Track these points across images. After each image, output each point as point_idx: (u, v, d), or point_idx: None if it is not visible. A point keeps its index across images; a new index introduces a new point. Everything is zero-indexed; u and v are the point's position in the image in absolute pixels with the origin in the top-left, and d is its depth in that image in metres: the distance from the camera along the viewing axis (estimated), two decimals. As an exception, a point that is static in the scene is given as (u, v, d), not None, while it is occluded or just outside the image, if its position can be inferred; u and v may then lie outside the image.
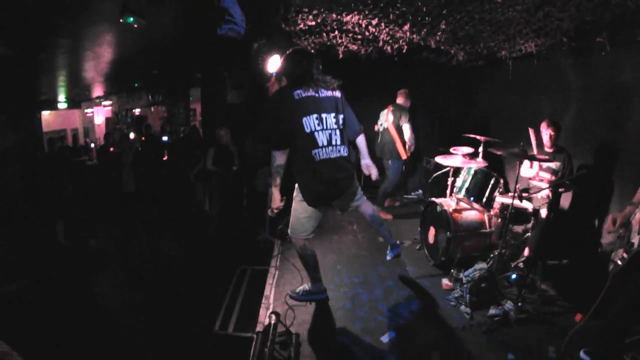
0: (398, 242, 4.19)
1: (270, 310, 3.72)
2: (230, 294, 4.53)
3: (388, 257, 4.02)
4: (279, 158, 3.16)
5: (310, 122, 3.06)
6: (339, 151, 3.19)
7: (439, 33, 4.90)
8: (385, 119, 6.26)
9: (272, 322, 3.19)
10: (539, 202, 4.58)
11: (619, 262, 2.73)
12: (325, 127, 3.12)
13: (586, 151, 4.80)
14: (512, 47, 5.26)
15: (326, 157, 3.12)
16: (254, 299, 4.25)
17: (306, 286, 3.78)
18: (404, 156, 6.18)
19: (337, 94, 3.26)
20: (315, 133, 3.08)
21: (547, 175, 4.62)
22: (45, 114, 15.54)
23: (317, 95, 3.11)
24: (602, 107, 4.68)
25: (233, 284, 4.72)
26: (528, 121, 5.02)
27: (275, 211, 3.34)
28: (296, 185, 3.39)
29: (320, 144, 3.09)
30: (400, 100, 6.29)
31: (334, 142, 3.15)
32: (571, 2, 3.55)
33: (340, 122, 3.22)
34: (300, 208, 3.39)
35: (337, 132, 3.18)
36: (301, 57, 3.23)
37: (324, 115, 3.12)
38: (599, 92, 4.73)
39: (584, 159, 4.81)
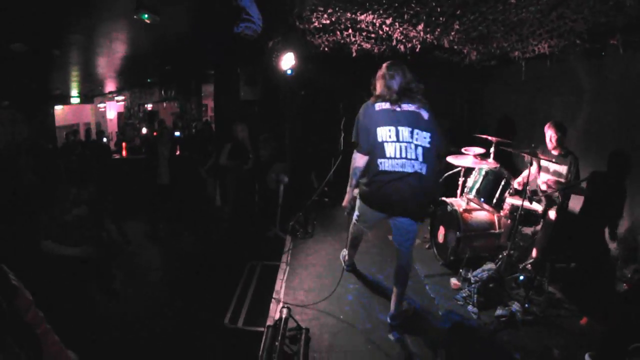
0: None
1: (281, 305, 3.77)
2: (240, 289, 4.57)
3: (388, 320, 3.69)
4: (358, 160, 3.35)
5: (382, 132, 3.19)
6: (412, 166, 3.17)
7: (452, 33, 4.91)
8: None
9: (284, 316, 3.24)
10: (548, 204, 4.57)
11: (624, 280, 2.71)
12: (397, 139, 3.18)
13: (598, 153, 4.79)
14: (525, 47, 5.25)
15: (390, 169, 3.17)
16: (264, 294, 4.29)
17: (346, 256, 4.38)
18: None
19: (424, 112, 3.27)
20: (385, 143, 3.18)
21: (552, 178, 4.61)
22: (58, 109, 15.72)
23: (396, 109, 3.23)
24: (614, 109, 4.67)
25: (243, 278, 4.75)
26: (540, 121, 5.01)
27: (344, 207, 3.72)
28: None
29: (387, 155, 3.18)
30: None
31: (405, 156, 3.17)
32: (585, 4, 3.54)
33: (417, 138, 3.20)
34: (359, 205, 3.60)
35: (412, 146, 3.18)
36: (386, 74, 3.34)
37: (400, 129, 3.18)
38: (611, 94, 4.72)
39: (595, 162, 4.79)
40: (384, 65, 3.39)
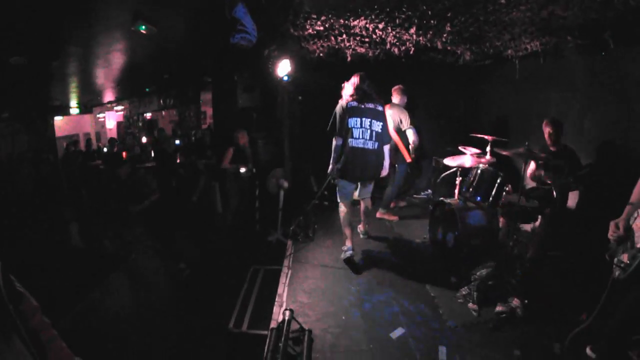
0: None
1: (284, 308, 3.82)
2: (243, 293, 4.62)
3: (361, 236, 5.72)
4: (337, 140, 4.70)
5: (352, 121, 4.59)
6: (369, 145, 4.62)
7: (444, 34, 4.97)
8: None
9: (287, 318, 3.30)
10: (545, 200, 4.61)
11: (621, 266, 2.71)
12: (361, 126, 4.60)
13: (592, 149, 4.84)
14: (517, 46, 5.30)
15: (356, 145, 4.60)
16: (267, 298, 4.36)
17: (345, 248, 4.97)
18: (408, 159, 6.12)
19: (379, 107, 4.71)
20: (353, 129, 4.59)
21: (551, 174, 4.65)
22: (58, 119, 15.77)
23: (362, 106, 4.62)
24: (608, 105, 4.71)
25: (246, 283, 4.81)
26: (535, 119, 5.05)
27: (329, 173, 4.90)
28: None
29: (355, 136, 4.59)
30: (396, 98, 6.15)
31: (364, 137, 4.62)
32: (574, 1, 3.59)
33: (373, 125, 4.64)
34: (338, 184, 4.88)
35: (368, 131, 4.62)
36: (356, 84, 4.63)
37: (363, 119, 4.61)
38: (604, 90, 4.76)
39: (590, 157, 4.84)
40: (354, 77, 4.66)
